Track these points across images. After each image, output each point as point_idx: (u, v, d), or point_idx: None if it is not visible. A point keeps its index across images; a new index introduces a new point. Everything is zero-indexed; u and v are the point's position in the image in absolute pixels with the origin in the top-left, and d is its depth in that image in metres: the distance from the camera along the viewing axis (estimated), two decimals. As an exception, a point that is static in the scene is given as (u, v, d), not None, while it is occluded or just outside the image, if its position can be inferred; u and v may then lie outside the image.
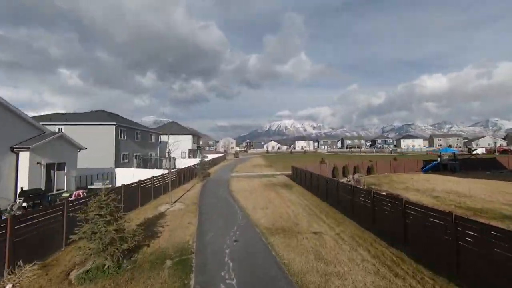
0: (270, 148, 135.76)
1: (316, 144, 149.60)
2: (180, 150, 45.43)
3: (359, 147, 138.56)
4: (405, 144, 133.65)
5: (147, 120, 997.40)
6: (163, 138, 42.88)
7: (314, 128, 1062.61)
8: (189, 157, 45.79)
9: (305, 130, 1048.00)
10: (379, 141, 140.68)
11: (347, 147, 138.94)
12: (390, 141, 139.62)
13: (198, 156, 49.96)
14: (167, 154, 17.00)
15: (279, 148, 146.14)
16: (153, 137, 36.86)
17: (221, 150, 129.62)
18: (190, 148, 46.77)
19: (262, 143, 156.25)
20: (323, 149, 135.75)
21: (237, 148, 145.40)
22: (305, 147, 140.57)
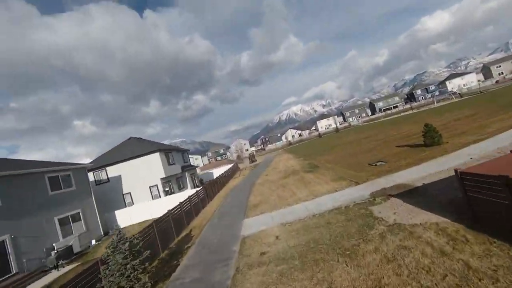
0: (290, 138, 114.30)
1: (341, 118, 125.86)
2: (146, 185, 25.74)
3: (395, 107, 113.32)
4: (453, 85, 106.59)
5: None
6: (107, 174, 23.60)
7: (324, 106, 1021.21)
8: (166, 192, 25.45)
9: (315, 111, 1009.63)
10: (419, 91, 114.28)
11: (380, 111, 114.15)
12: (432, 87, 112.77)
13: (186, 184, 30.19)
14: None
15: (300, 135, 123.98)
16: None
17: (235, 156, 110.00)
18: (164, 176, 26.11)
19: (279, 134, 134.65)
20: (353, 121, 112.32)
21: (252, 149, 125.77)
22: (329, 125, 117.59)
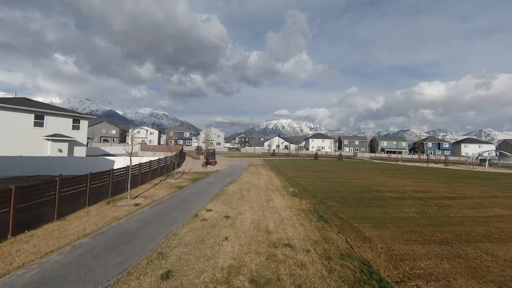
0: (274, 147, 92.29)
1: (337, 144, 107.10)
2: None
3: (399, 152, 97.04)
4: (467, 151, 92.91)
5: (143, 112, 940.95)
6: None
7: (311, 129, 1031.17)
8: None
9: (301, 130, 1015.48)
10: (430, 144, 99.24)
11: (383, 151, 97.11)
12: (446, 145, 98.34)
13: None
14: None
15: (286, 147, 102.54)
16: None
17: (202, 146, 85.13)
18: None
19: (262, 139, 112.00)
20: (349, 151, 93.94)
21: (227, 145, 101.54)
22: (322, 148, 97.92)
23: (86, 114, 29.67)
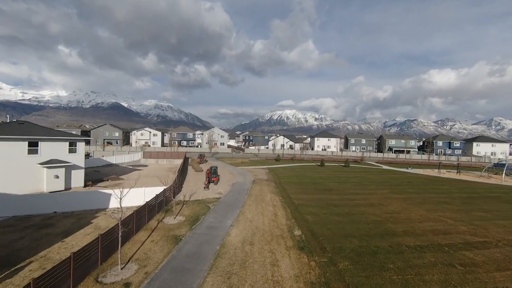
0: (279, 147, 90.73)
1: (342, 141, 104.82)
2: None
3: (407, 151, 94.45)
4: (479, 149, 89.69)
5: (148, 104, 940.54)
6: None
7: (316, 119, 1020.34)
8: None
9: (306, 121, 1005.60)
10: (440, 143, 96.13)
11: (391, 151, 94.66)
12: (457, 144, 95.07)
13: None
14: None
15: (291, 147, 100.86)
16: None
17: (206, 147, 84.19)
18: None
19: (266, 137, 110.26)
20: (355, 151, 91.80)
21: (231, 143, 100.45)
22: (327, 147, 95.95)
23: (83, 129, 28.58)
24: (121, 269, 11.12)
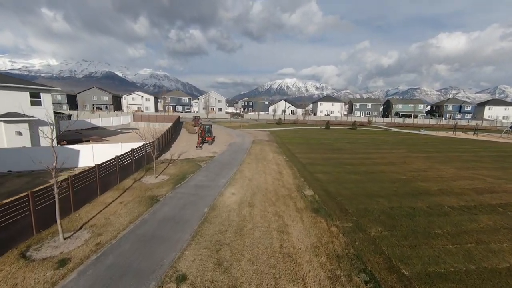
0: (280, 112, 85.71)
1: (346, 107, 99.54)
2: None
3: (415, 116, 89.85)
4: (491, 113, 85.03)
5: (143, 73, 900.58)
6: None
7: (316, 88, 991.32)
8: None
9: (307, 90, 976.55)
10: (450, 106, 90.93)
11: (398, 115, 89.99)
12: (468, 108, 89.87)
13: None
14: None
15: (292, 112, 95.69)
16: None
17: (202, 112, 79.33)
18: None
19: (267, 103, 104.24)
20: (360, 116, 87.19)
21: (230, 110, 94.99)
22: (331, 112, 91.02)
23: (50, 86, 24.09)
24: (65, 239, 7.78)
